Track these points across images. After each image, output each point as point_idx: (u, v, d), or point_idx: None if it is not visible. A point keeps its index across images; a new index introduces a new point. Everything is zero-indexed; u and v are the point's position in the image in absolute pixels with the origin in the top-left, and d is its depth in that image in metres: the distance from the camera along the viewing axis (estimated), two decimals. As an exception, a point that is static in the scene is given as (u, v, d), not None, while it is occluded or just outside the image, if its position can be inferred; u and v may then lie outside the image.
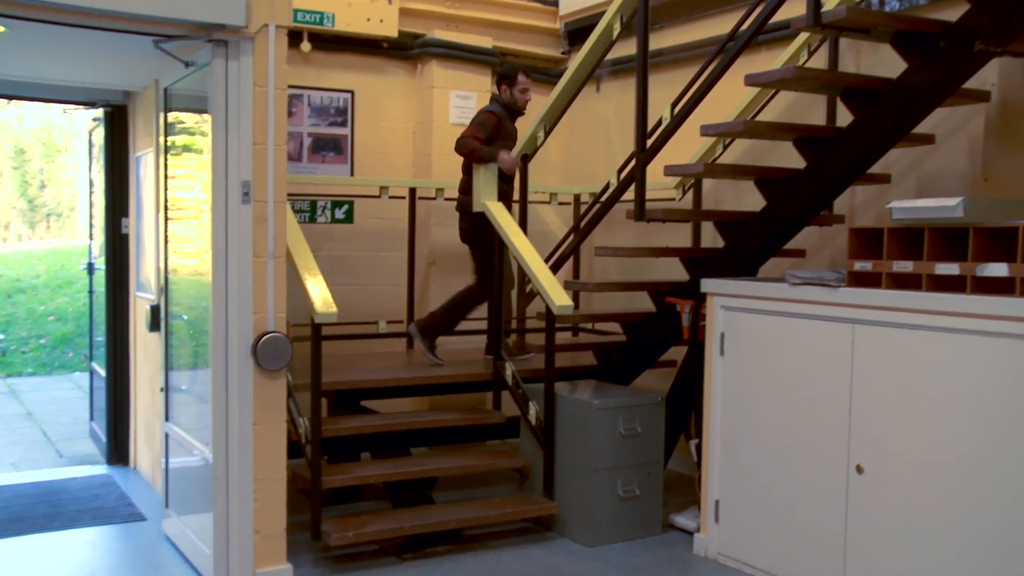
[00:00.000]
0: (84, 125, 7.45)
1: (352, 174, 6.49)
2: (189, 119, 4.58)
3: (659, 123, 4.74)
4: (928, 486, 3.62)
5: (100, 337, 6.48)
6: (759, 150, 5.58)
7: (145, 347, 5.77)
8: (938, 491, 3.59)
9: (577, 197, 6.82)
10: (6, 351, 11.61)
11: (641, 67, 4.75)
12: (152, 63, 4.48)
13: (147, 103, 5.53)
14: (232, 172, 4.04)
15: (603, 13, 5.13)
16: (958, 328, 3.50)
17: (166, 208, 4.83)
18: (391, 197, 6.19)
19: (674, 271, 5.30)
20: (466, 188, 5.64)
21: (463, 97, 6.65)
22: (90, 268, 6.80)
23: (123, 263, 6.14)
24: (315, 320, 4.30)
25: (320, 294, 4.31)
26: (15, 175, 20.20)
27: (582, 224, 5.51)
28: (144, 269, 5.73)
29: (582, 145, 7.14)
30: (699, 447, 4.75)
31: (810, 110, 5.27)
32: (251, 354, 4.08)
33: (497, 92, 5.81)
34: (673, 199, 6.04)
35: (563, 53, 7.19)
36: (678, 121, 4.67)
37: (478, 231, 5.54)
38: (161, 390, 4.94)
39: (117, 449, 6.24)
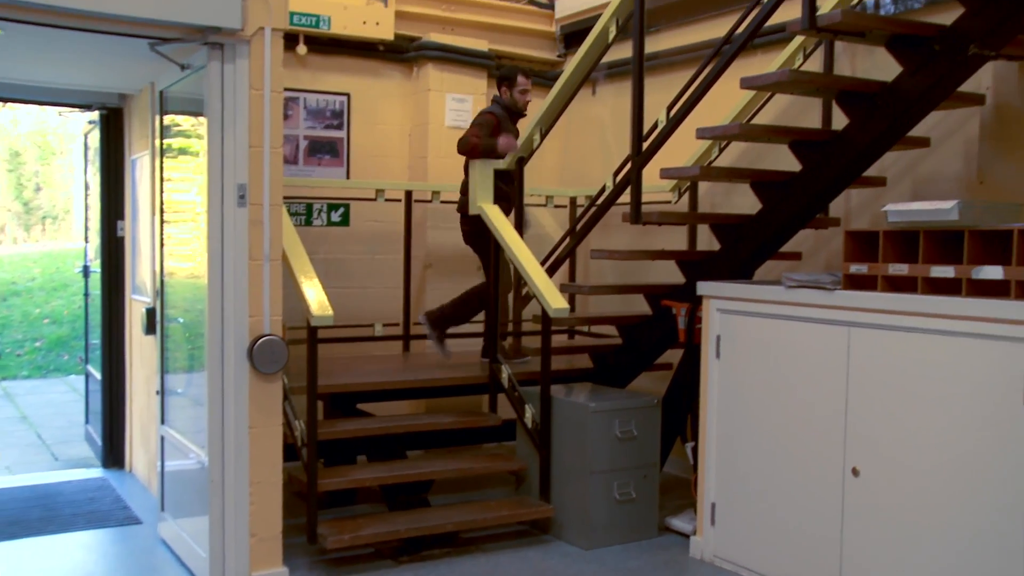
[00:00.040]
0: (80, 128, 7.45)
1: (348, 177, 6.48)
2: (185, 122, 4.57)
3: (655, 126, 4.74)
4: (923, 489, 3.63)
5: (95, 340, 6.47)
6: (755, 153, 5.59)
7: (141, 350, 5.76)
8: (933, 494, 3.59)
9: (573, 200, 6.82)
10: (1, 354, 11.59)
11: (637, 70, 4.76)
12: (148, 66, 4.48)
13: (143, 106, 5.52)
14: (228, 175, 4.04)
15: (599, 16, 5.12)
16: (953, 331, 3.50)
17: (162, 211, 4.82)
18: (387, 200, 6.18)
19: (670, 274, 5.31)
20: (467, 188, 5.65)
21: (459, 100, 6.65)
22: (85, 271, 6.79)
23: (119, 266, 6.13)
24: (311, 323, 4.30)
25: (316, 297, 4.31)
26: (10, 178, 20.19)
27: (578, 227, 5.51)
28: (140, 272, 5.72)
29: (578, 148, 7.15)
30: (695, 450, 4.75)
31: (805, 113, 5.28)
32: (247, 357, 4.08)
33: (497, 94, 5.83)
34: (669, 202, 6.05)
35: (559, 56, 7.19)
36: (674, 124, 4.67)
37: (479, 233, 5.54)
38: (157, 393, 4.93)
39: (112, 452, 6.22)
